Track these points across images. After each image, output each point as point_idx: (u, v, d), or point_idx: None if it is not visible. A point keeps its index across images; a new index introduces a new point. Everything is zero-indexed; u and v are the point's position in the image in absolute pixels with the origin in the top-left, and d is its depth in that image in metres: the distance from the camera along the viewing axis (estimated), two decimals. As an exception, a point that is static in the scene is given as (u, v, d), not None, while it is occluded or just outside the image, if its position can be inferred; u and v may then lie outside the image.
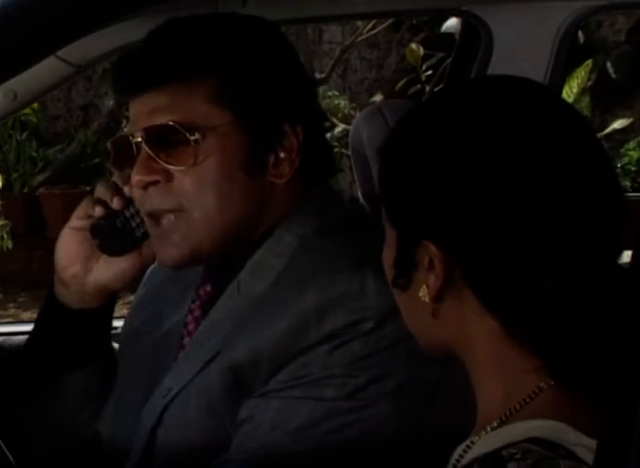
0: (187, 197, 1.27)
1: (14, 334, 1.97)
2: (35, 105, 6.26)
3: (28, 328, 2.02)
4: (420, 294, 0.96)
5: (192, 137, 1.25)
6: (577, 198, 0.92)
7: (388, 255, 1.01)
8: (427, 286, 0.95)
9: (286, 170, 1.30)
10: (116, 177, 1.39)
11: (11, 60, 1.15)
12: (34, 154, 6.63)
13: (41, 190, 6.59)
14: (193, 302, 1.41)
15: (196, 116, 1.26)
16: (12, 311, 5.82)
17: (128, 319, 1.55)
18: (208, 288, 1.39)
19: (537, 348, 0.94)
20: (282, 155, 1.29)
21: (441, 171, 0.94)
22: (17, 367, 1.53)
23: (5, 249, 5.07)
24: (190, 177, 1.27)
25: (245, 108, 1.28)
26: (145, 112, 1.28)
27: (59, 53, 1.49)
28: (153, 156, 1.27)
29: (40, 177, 6.60)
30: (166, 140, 1.27)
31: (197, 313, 1.39)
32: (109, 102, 6.55)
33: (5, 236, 5.07)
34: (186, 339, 1.39)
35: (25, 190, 6.62)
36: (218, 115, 1.27)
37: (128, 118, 1.36)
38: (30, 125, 6.59)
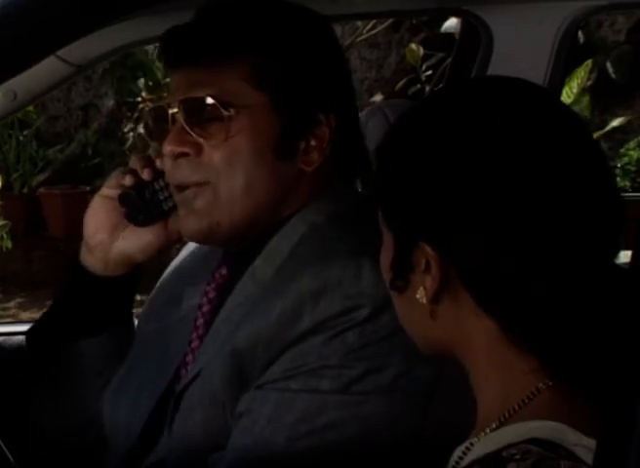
0: (215, 171, 1.30)
1: (14, 334, 1.97)
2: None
3: (28, 328, 2.03)
4: (418, 296, 0.97)
5: (226, 113, 1.28)
6: (574, 199, 0.92)
7: (385, 258, 1.01)
8: (424, 287, 0.96)
9: (315, 158, 1.32)
10: (152, 150, 1.41)
11: (11, 60, 1.15)
12: (34, 154, 6.63)
13: (41, 190, 6.59)
14: (209, 285, 1.42)
15: (232, 93, 1.29)
16: (12, 311, 5.82)
17: (152, 297, 1.57)
18: (224, 271, 1.40)
19: (534, 348, 0.94)
20: (313, 143, 1.31)
21: (437, 172, 0.94)
22: (37, 333, 1.54)
23: (5, 249, 5.07)
24: (220, 152, 1.29)
25: (281, 92, 1.30)
26: (184, 85, 1.31)
27: (59, 53, 1.49)
28: (187, 128, 1.30)
29: (40, 177, 6.60)
30: (200, 114, 1.30)
31: (212, 295, 1.40)
32: (109, 102, 6.55)
33: (5, 236, 5.07)
34: (200, 321, 1.40)
35: (25, 190, 6.62)
36: (253, 95, 1.29)
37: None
38: (30, 123, 6.58)
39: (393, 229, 0.99)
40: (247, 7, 1.34)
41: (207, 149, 1.30)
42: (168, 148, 1.32)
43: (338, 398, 1.22)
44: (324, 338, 1.22)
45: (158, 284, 1.58)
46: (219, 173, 1.30)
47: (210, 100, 1.28)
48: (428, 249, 0.94)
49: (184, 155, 1.31)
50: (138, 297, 1.60)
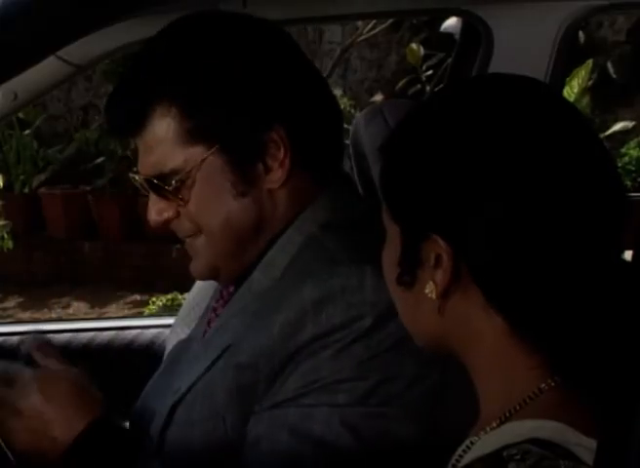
0: (196, 222, 1.33)
1: (14, 334, 1.97)
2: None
3: (28, 328, 2.03)
4: (427, 291, 0.96)
5: (173, 185, 1.30)
6: (579, 193, 0.93)
7: (391, 253, 1.01)
8: (434, 282, 0.95)
9: (279, 174, 1.30)
10: None
11: (11, 60, 1.15)
12: (35, 154, 6.63)
13: (41, 190, 6.59)
14: (217, 302, 1.43)
15: (172, 160, 1.30)
16: (11, 311, 5.82)
17: (179, 314, 1.61)
18: (231, 289, 1.41)
19: (541, 347, 0.94)
20: (270, 162, 1.29)
21: (449, 163, 0.94)
22: None
23: (5, 249, 5.07)
24: (191, 207, 1.32)
25: (217, 137, 1.29)
26: (140, 152, 1.34)
27: (58, 53, 1.49)
28: (156, 198, 1.34)
29: (41, 177, 6.60)
30: (160, 188, 1.32)
31: (220, 312, 1.41)
32: (109, 102, 6.54)
33: (5, 236, 5.07)
34: (208, 335, 1.41)
35: (26, 190, 6.62)
36: (192, 153, 1.29)
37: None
38: (30, 123, 6.58)
39: (401, 223, 0.99)
40: (162, 59, 1.31)
41: (181, 209, 1.33)
42: (152, 220, 1.35)
43: (355, 410, 1.22)
44: (332, 352, 1.22)
45: (186, 299, 1.63)
46: (199, 222, 1.32)
47: (155, 180, 1.31)
48: (440, 241, 0.94)
49: (169, 219, 1.35)
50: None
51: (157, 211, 1.35)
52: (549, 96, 0.99)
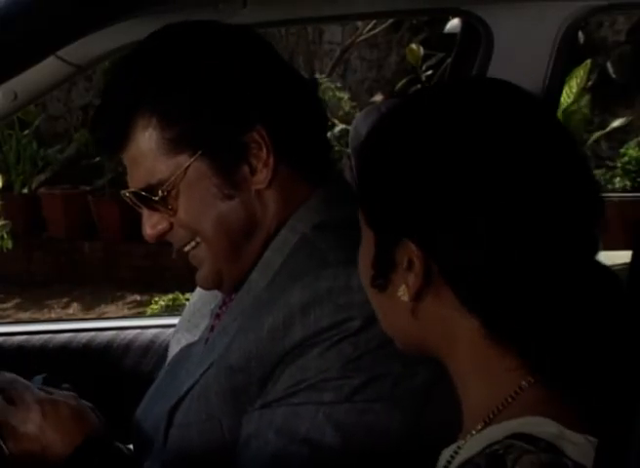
0: (190, 228, 1.33)
1: (14, 335, 1.97)
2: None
3: (28, 328, 2.04)
4: (400, 294, 0.97)
5: (160, 194, 1.31)
6: (550, 196, 0.93)
7: (365, 256, 1.01)
8: (407, 285, 0.96)
9: (264, 174, 1.31)
10: None
11: (11, 60, 1.16)
12: (34, 154, 6.64)
13: (41, 190, 6.60)
14: (220, 308, 1.44)
15: (158, 171, 1.31)
16: (11, 311, 5.83)
17: (180, 319, 1.61)
18: (234, 295, 1.41)
19: (517, 346, 0.94)
20: (254, 162, 1.30)
21: (422, 169, 0.94)
22: None
23: (5, 249, 5.08)
24: (180, 216, 1.32)
25: (199, 143, 1.29)
26: (128, 167, 1.35)
27: (59, 53, 1.49)
28: (149, 212, 1.34)
29: (40, 177, 6.61)
30: (149, 200, 1.33)
31: (223, 317, 1.41)
32: (109, 102, 6.54)
33: (5, 236, 5.08)
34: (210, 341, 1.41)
35: (25, 190, 6.63)
36: (177, 162, 1.30)
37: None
38: (30, 123, 6.58)
39: (375, 227, 0.99)
40: (134, 81, 1.32)
41: (172, 218, 1.34)
42: (148, 234, 1.36)
43: (342, 407, 1.22)
44: (320, 351, 1.22)
45: (187, 305, 1.62)
46: (193, 228, 1.33)
47: (142, 192, 1.32)
48: (412, 246, 0.94)
49: (163, 231, 1.35)
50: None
51: (151, 225, 1.35)
52: (524, 100, 0.99)
